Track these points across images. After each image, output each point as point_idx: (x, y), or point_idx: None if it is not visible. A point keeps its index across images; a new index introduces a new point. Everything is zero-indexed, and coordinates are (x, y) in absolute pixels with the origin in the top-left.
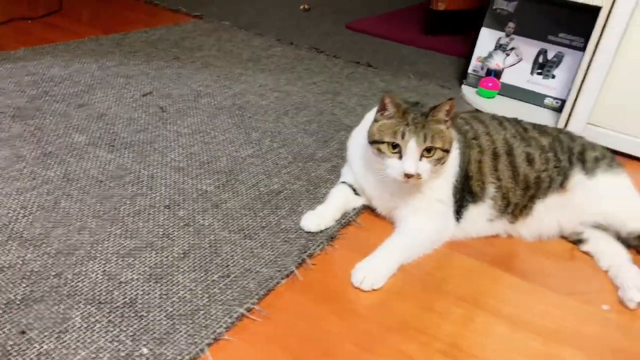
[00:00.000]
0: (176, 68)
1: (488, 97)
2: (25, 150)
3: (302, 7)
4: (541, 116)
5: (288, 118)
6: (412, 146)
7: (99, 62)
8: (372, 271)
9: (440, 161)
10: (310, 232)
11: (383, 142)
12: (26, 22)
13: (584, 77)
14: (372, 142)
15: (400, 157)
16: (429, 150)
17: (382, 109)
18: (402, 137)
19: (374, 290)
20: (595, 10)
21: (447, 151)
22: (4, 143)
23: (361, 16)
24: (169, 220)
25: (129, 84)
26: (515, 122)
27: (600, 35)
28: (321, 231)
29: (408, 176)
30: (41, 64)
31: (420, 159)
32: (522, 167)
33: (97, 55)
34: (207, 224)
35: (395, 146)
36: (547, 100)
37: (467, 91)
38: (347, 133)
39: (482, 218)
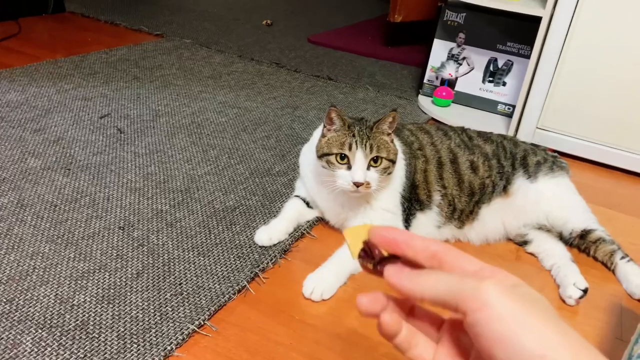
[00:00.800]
0: (135, 88)
1: (443, 106)
2: None
3: (264, 22)
4: (494, 122)
5: (246, 134)
6: (359, 156)
7: (56, 85)
8: (322, 282)
9: (387, 171)
10: (263, 246)
11: (332, 154)
12: None
13: (531, 84)
14: (321, 155)
15: (349, 168)
16: (375, 160)
17: (329, 122)
18: (350, 149)
19: (324, 300)
20: (538, 20)
21: (392, 161)
22: None
23: (323, 30)
24: (123, 241)
25: (87, 106)
26: (461, 131)
27: (543, 43)
28: (274, 245)
29: (357, 185)
30: None
31: (367, 169)
32: (467, 174)
33: (55, 78)
34: (161, 243)
35: (343, 157)
36: (499, 107)
37: (423, 101)
38: (304, 146)
39: (430, 225)
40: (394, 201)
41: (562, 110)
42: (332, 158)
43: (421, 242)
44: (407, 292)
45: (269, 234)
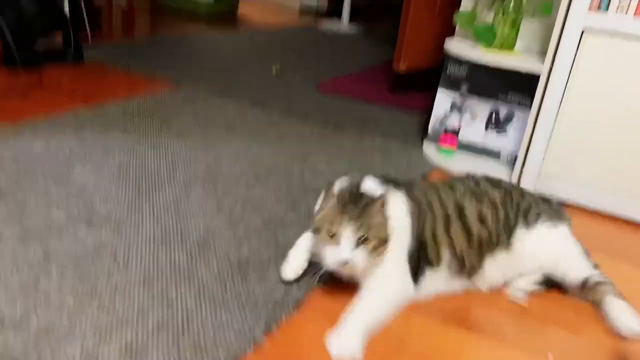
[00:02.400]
0: (153, 138)
1: (447, 154)
2: (6, 230)
3: (274, 70)
4: (498, 170)
5: (259, 184)
6: (347, 234)
7: (78, 135)
8: (348, 348)
9: (377, 250)
10: (280, 293)
11: (322, 230)
12: (6, 96)
13: (532, 134)
14: (314, 230)
15: (337, 245)
16: (363, 239)
17: (327, 197)
18: (338, 226)
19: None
20: (538, 74)
21: (383, 240)
22: None
23: (331, 77)
24: (144, 295)
25: (107, 157)
26: (467, 178)
27: (543, 96)
28: (288, 295)
29: (343, 263)
30: (22, 139)
31: (356, 247)
32: (475, 227)
33: (76, 128)
34: (179, 297)
35: (332, 235)
36: (502, 155)
37: (428, 148)
38: (315, 195)
39: (440, 280)
40: (402, 260)
41: (564, 159)
42: (323, 234)
43: None
44: None
45: (293, 268)
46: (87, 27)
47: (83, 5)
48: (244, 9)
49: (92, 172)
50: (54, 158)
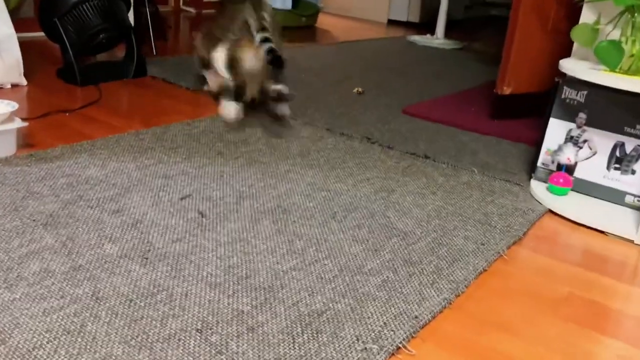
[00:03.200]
0: (219, 165)
1: (560, 195)
2: (55, 264)
3: (355, 90)
4: (621, 216)
5: (336, 222)
6: None
7: (137, 160)
8: None
9: None
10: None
11: None
12: (63, 115)
13: None
14: None
15: None
16: None
17: None
18: None
19: None
20: None
21: None
22: (34, 256)
23: (419, 100)
24: (200, 346)
25: (167, 185)
26: None
27: None
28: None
29: None
30: (77, 163)
31: None
32: None
33: (136, 152)
34: (240, 351)
35: None
36: (627, 198)
37: (537, 187)
38: (400, 240)
39: None
40: None
41: None
42: None
43: None
44: None
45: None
46: (152, 39)
47: (149, 16)
48: (323, 22)
49: (150, 202)
50: (111, 185)
